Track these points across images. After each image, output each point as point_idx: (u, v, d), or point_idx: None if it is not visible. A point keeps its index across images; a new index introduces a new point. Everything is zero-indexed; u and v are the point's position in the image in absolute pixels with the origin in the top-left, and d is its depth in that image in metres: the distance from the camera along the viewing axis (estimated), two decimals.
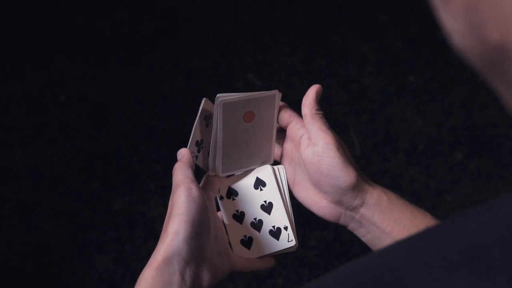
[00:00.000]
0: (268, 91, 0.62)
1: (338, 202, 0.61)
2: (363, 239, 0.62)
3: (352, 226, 0.62)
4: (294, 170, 0.65)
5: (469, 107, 1.95)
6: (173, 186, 0.57)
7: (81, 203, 1.71)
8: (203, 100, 0.61)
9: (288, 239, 0.63)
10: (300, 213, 1.92)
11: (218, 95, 0.59)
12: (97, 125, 1.90)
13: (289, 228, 0.64)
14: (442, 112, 1.94)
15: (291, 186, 0.66)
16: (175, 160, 0.61)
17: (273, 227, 0.63)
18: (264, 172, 0.64)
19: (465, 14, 0.24)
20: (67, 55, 2.08)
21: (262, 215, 0.63)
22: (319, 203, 0.63)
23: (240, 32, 2.17)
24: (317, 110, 0.61)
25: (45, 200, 1.72)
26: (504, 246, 0.24)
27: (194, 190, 0.55)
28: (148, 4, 2.26)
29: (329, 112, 1.93)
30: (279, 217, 0.63)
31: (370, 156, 1.83)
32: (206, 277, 0.55)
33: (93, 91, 1.99)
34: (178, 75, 2.03)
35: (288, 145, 0.66)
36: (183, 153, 0.60)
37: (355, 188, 0.59)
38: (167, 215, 0.55)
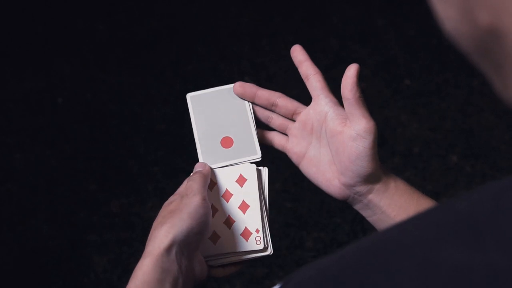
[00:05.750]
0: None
1: (350, 186, 0.61)
2: (368, 219, 0.63)
3: (358, 207, 0.63)
4: (309, 143, 0.64)
5: (464, 111, 1.96)
6: (187, 190, 0.58)
7: (79, 204, 1.72)
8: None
9: (256, 242, 0.61)
10: (297, 216, 1.92)
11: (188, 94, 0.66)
12: (95, 127, 1.91)
13: (261, 232, 0.61)
14: (438, 116, 1.96)
15: (298, 160, 0.64)
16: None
17: (245, 227, 0.62)
18: (248, 170, 0.64)
19: None
20: (66, 58, 2.09)
21: (236, 213, 0.62)
22: (330, 181, 0.62)
23: (238, 35, 2.18)
24: (360, 93, 0.59)
25: (43, 201, 1.72)
26: (492, 220, 0.25)
27: (207, 202, 0.58)
28: (147, 7, 2.27)
29: None
30: (253, 219, 0.62)
31: None
32: (197, 270, 0.57)
33: (92, 94, 2.00)
34: (176, 78, 2.04)
35: (310, 115, 0.64)
36: (205, 167, 0.62)
37: (372, 176, 0.60)
38: (168, 210, 0.56)
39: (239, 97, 0.65)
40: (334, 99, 0.63)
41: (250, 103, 0.66)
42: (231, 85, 0.65)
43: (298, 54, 0.66)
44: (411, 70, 2.08)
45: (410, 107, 1.97)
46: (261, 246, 0.61)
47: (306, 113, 0.64)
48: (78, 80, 2.03)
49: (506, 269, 0.23)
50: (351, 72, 0.60)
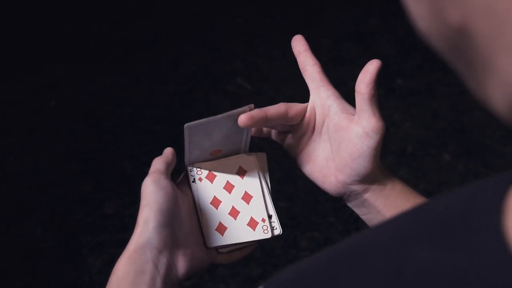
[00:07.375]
0: (238, 109, 0.57)
1: (346, 184, 0.59)
2: (362, 217, 0.61)
3: (353, 204, 0.61)
4: (309, 138, 0.61)
5: (457, 109, 1.97)
6: None
7: (73, 206, 1.72)
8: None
9: (264, 231, 0.61)
10: (291, 216, 1.92)
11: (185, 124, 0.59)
12: (89, 128, 1.91)
13: (267, 221, 0.61)
14: (430, 114, 1.97)
15: (295, 154, 0.62)
16: None
17: (250, 217, 0.61)
18: (247, 162, 0.64)
19: None
20: (62, 58, 2.09)
21: (240, 204, 0.62)
22: (326, 177, 0.60)
23: (231, 36, 2.18)
24: (375, 90, 0.56)
25: (38, 203, 1.72)
26: (464, 220, 0.25)
27: (162, 180, 0.55)
28: (140, 9, 2.27)
29: None
30: (258, 209, 0.62)
31: None
32: (182, 264, 0.54)
33: (85, 95, 1.99)
34: (170, 79, 2.04)
35: (311, 110, 0.60)
36: (165, 150, 0.61)
37: (370, 176, 0.59)
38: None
39: (249, 127, 0.58)
40: (336, 92, 0.60)
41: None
42: (230, 113, 0.57)
43: (298, 43, 0.64)
44: (403, 70, 2.09)
45: (403, 106, 1.98)
46: (268, 235, 0.61)
47: (312, 107, 0.61)
48: (72, 81, 2.03)
49: (474, 268, 0.24)
50: (372, 67, 0.57)
